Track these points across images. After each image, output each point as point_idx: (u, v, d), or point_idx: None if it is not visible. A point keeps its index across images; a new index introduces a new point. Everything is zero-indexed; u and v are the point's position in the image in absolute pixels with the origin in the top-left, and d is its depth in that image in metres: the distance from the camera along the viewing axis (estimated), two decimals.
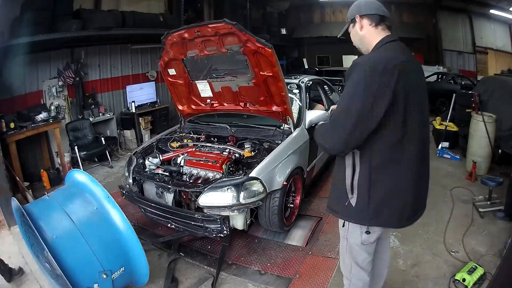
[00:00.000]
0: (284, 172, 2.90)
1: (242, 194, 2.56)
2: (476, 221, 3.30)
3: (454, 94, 5.58)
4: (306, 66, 11.64)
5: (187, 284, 2.61)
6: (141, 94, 6.69)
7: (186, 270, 2.76)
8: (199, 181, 2.84)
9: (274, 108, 3.24)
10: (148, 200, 2.97)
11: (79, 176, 2.22)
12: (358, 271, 1.73)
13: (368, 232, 1.57)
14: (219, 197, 2.57)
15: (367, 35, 1.61)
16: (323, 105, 4.52)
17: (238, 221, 2.72)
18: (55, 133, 4.80)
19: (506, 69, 8.82)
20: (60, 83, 5.28)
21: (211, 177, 2.84)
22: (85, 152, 5.02)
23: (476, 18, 9.70)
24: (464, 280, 2.39)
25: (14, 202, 2.05)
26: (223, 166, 2.79)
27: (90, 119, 5.53)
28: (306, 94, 3.86)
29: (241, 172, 2.86)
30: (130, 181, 3.13)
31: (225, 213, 2.58)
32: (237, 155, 3.03)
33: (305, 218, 3.46)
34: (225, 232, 2.61)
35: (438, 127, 5.77)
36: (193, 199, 2.80)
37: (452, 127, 5.47)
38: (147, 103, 6.80)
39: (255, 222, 2.99)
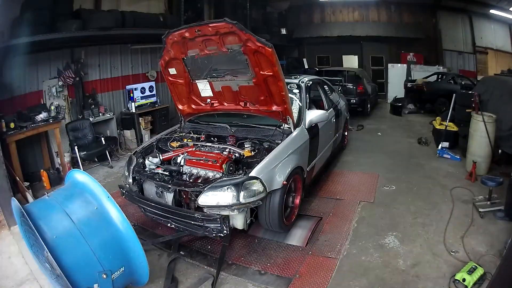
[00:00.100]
0: (284, 171, 2.90)
1: (242, 194, 2.56)
2: (476, 221, 3.30)
3: (454, 94, 5.59)
4: (306, 66, 11.63)
5: (187, 284, 2.61)
6: (141, 94, 6.69)
7: (186, 270, 2.76)
8: (199, 181, 2.84)
9: (274, 107, 3.25)
10: (148, 200, 2.97)
11: (79, 176, 2.22)
12: None
13: None
14: (219, 196, 2.57)
15: None
16: (323, 105, 4.54)
17: (238, 221, 2.72)
18: (55, 133, 4.80)
19: (506, 69, 8.82)
20: (60, 83, 5.28)
21: (211, 177, 2.84)
22: (85, 152, 5.02)
23: (476, 18, 9.70)
24: (464, 280, 2.39)
25: (14, 202, 2.05)
26: (223, 166, 2.79)
27: (90, 119, 5.53)
28: (306, 94, 3.86)
29: (241, 171, 2.85)
30: (130, 180, 3.12)
31: (225, 212, 2.58)
32: (237, 154, 3.03)
33: (305, 218, 3.46)
34: (225, 231, 2.61)
35: (438, 127, 5.78)
36: (193, 198, 2.80)
37: (452, 127, 5.47)
38: (147, 103, 6.80)
39: (255, 222, 2.99)
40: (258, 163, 2.78)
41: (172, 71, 3.45)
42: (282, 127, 3.31)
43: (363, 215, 3.54)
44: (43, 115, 4.62)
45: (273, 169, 2.81)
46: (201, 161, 2.91)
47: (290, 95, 3.39)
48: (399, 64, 10.70)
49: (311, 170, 3.71)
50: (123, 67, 6.59)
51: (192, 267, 2.80)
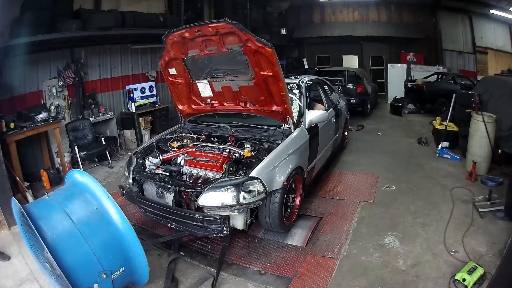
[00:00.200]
0: (284, 172, 2.90)
1: (242, 194, 2.56)
2: (476, 221, 3.30)
3: (454, 94, 5.59)
4: (306, 66, 11.62)
5: (187, 284, 2.61)
6: (141, 94, 6.69)
7: (186, 270, 2.76)
8: (199, 181, 2.84)
9: (274, 108, 3.25)
10: (148, 200, 2.97)
11: (79, 176, 2.22)
12: None
13: None
14: (219, 197, 2.57)
15: None
16: (323, 105, 4.53)
17: (238, 221, 2.72)
18: (55, 133, 4.80)
19: (506, 69, 8.82)
20: (60, 83, 5.28)
21: (211, 177, 2.84)
22: (85, 152, 5.02)
23: (476, 18, 9.69)
24: (464, 280, 2.39)
25: (14, 202, 2.05)
26: (223, 166, 2.79)
27: (90, 119, 5.53)
28: (306, 94, 3.86)
29: (241, 172, 2.86)
30: (130, 181, 3.13)
31: (225, 213, 2.58)
32: (237, 155, 3.03)
33: (305, 218, 3.46)
34: (225, 232, 2.61)
35: (438, 127, 5.78)
36: (193, 199, 2.80)
37: (452, 127, 5.47)
38: (147, 103, 6.80)
39: (255, 222, 2.99)
40: (258, 164, 2.78)
41: (172, 71, 3.45)
42: (282, 127, 3.31)
43: (363, 215, 3.54)
44: (43, 115, 4.62)
45: (273, 170, 2.81)
46: (201, 162, 2.91)
47: (290, 95, 3.39)
48: (399, 64, 10.70)
49: (311, 170, 3.71)
50: (123, 67, 6.59)
51: (192, 267, 2.80)
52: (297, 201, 3.33)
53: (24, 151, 4.55)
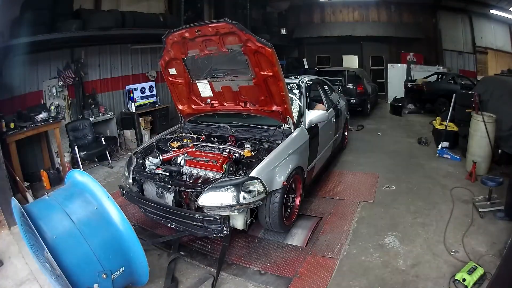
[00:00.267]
0: (284, 172, 2.90)
1: (242, 194, 2.56)
2: (476, 221, 3.30)
3: (454, 94, 5.59)
4: (306, 66, 11.62)
5: (187, 284, 2.61)
6: (141, 94, 6.69)
7: (186, 270, 2.76)
8: (199, 181, 2.84)
9: (274, 108, 3.25)
10: (148, 200, 2.97)
11: (79, 176, 2.22)
12: None
13: None
14: (219, 197, 2.57)
15: None
16: (323, 105, 4.53)
17: (238, 221, 2.72)
18: (55, 133, 4.80)
19: (506, 69, 8.82)
20: (60, 83, 5.28)
21: (211, 177, 2.84)
22: (85, 152, 5.02)
23: (476, 18, 9.69)
24: (464, 280, 2.39)
25: (14, 202, 2.05)
26: (223, 166, 2.79)
27: (90, 119, 5.53)
28: (306, 94, 3.86)
29: (241, 172, 2.86)
30: (130, 181, 3.12)
31: (225, 213, 2.58)
32: (237, 155, 3.03)
33: (305, 218, 3.46)
34: (225, 232, 2.61)
35: (438, 127, 5.77)
36: (193, 199, 2.80)
37: (452, 127, 5.47)
38: (147, 103, 6.80)
39: (255, 222, 2.99)
40: (258, 164, 2.78)
41: (172, 71, 3.45)
42: (282, 127, 3.31)
43: (363, 215, 3.54)
44: (43, 115, 4.62)
45: (273, 170, 2.81)
46: (201, 162, 2.91)
47: (290, 95, 3.39)
48: (399, 64, 10.70)
49: (311, 170, 3.71)
50: (123, 67, 6.59)
51: (192, 267, 2.80)
52: (297, 201, 3.33)
53: (24, 151, 4.55)
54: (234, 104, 3.46)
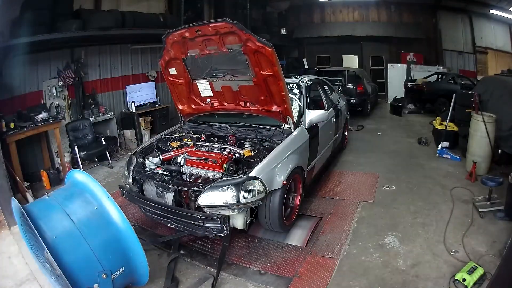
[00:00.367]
0: (284, 171, 2.90)
1: (242, 194, 2.56)
2: (476, 221, 3.30)
3: (454, 94, 5.59)
4: (306, 66, 11.62)
5: (187, 284, 2.60)
6: (141, 94, 6.69)
7: (186, 270, 2.76)
8: (199, 181, 2.84)
9: (274, 107, 3.25)
10: (148, 200, 2.97)
11: (79, 176, 2.22)
12: None
13: None
14: (219, 196, 2.57)
15: None
16: (323, 105, 4.54)
17: (238, 221, 2.72)
18: (55, 133, 4.80)
19: (506, 69, 8.82)
20: (60, 83, 5.28)
21: (211, 177, 2.84)
22: (85, 152, 5.02)
23: (476, 18, 9.69)
24: (464, 280, 2.39)
25: (14, 202, 2.05)
26: (223, 166, 2.79)
27: (90, 119, 5.53)
28: (306, 94, 3.86)
29: (241, 171, 2.85)
30: (130, 180, 3.12)
31: (225, 212, 2.58)
32: (237, 154, 3.02)
33: (305, 218, 3.46)
34: (225, 231, 2.61)
35: (438, 127, 5.77)
36: (193, 198, 2.80)
37: (452, 127, 5.47)
38: (147, 103, 6.80)
39: (255, 222, 2.99)
40: (258, 163, 2.78)
41: (172, 71, 3.45)
42: (282, 127, 3.31)
43: (363, 215, 3.54)
44: (43, 115, 4.62)
45: (273, 169, 2.81)
46: (201, 161, 2.91)
47: (290, 95, 3.39)
48: (399, 64, 10.70)
49: (311, 170, 3.71)
50: (123, 67, 6.59)
51: (192, 267, 2.80)
52: (297, 201, 3.33)
53: (24, 151, 4.55)
54: (234, 103, 3.46)
